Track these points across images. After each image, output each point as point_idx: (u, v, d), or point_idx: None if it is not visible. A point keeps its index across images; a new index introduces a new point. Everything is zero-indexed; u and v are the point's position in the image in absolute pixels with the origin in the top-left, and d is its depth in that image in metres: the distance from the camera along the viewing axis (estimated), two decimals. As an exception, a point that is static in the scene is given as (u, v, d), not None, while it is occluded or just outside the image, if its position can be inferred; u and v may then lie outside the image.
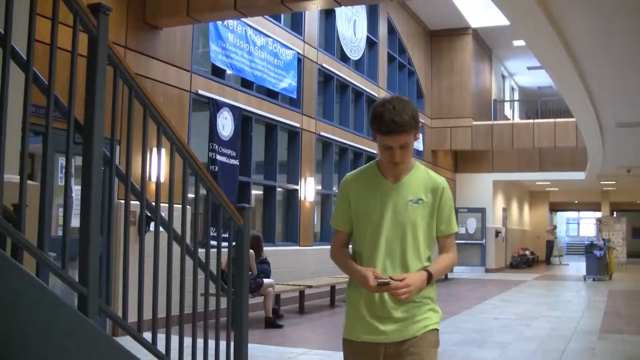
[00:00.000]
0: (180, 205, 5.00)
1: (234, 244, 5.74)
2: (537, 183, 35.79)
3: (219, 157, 13.65)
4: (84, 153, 3.97)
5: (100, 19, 4.08)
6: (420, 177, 3.93)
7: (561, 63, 10.69)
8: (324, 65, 18.83)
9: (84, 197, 3.92)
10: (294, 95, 17.27)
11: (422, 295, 3.85)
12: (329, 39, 19.81)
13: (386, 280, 3.62)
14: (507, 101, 36.60)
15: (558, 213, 54.42)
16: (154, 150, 8.40)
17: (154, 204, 4.75)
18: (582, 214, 59.10)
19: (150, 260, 4.49)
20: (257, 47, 15.43)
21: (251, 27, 15.23)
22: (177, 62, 12.83)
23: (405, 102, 3.72)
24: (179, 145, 4.72)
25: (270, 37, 16.06)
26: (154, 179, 10.25)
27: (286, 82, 16.75)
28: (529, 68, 34.36)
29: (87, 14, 4.01)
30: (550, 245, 40.98)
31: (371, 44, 22.58)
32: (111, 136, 4.26)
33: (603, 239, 28.97)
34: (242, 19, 14.30)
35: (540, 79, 34.35)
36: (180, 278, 5.01)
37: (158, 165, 4.77)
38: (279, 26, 16.65)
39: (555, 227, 40.79)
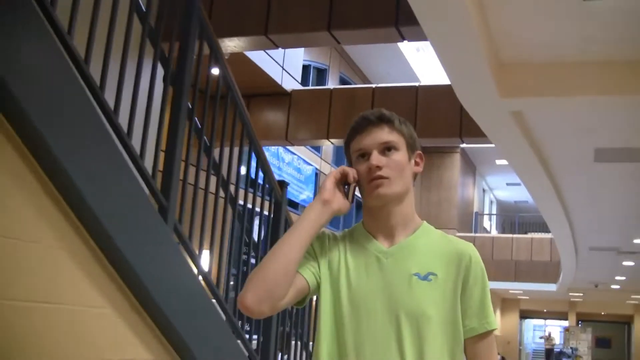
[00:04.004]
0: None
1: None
2: (510, 291, 37.54)
3: (252, 261, 15.86)
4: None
5: (283, 191, 6.45)
6: (432, 240, 2.58)
7: (552, 205, 13.01)
8: (336, 179, 21.18)
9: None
10: (311, 206, 19.60)
11: None
12: (340, 156, 22.15)
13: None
14: (488, 214, 38.93)
15: (526, 320, 55.70)
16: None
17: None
18: (549, 321, 60.18)
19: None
20: (285, 162, 17.84)
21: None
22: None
23: (396, 114, 2.59)
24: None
25: (295, 154, 18.49)
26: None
27: (305, 194, 19.12)
28: (507, 184, 36.67)
29: (277, 188, 6.38)
30: (550, 353, 38.53)
31: (371, 158, 24.86)
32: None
33: (571, 348, 30.88)
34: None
35: (517, 193, 36.61)
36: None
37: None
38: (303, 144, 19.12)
39: (550, 335, 41.09)
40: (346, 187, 2.57)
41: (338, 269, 2.53)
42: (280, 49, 9.34)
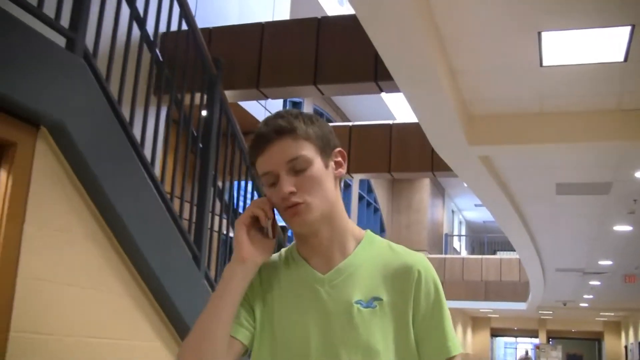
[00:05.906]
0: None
1: None
2: (481, 310, 37.64)
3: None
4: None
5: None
6: (376, 255, 2.13)
7: (519, 233, 14.09)
8: (311, 206, 22.00)
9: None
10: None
11: None
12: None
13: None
14: (457, 235, 39.75)
15: (497, 338, 55.82)
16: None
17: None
18: (520, 339, 60.04)
19: None
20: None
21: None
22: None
23: (298, 111, 2.11)
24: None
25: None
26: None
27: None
28: (476, 205, 37.39)
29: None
30: None
31: (346, 186, 25.75)
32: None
33: (542, 365, 31.60)
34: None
35: (485, 214, 36.65)
36: None
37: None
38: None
39: (527, 353, 41.67)
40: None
41: (271, 306, 2.13)
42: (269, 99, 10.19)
